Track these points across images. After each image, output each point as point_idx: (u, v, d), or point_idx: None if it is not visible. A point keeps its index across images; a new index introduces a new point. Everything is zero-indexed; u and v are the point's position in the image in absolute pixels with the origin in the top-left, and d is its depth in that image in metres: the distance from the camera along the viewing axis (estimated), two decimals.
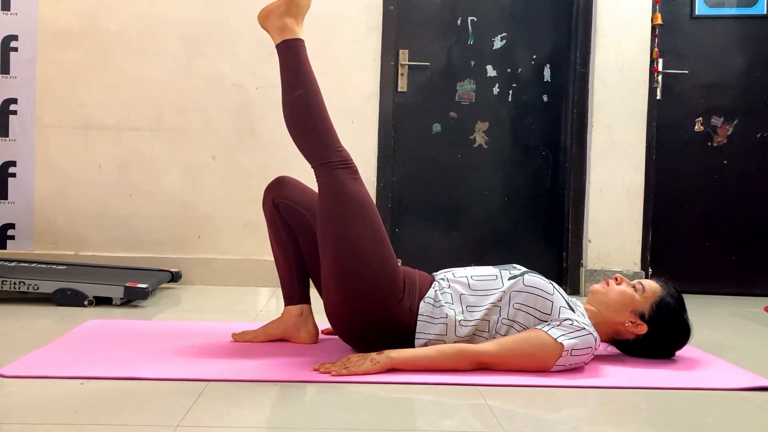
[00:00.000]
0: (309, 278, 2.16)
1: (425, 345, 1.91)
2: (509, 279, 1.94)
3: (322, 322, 2.28)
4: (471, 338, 1.92)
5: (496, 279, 1.96)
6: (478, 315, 1.91)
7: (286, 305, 2.16)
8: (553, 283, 1.96)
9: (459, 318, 1.91)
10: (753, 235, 3.68)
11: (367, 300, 1.89)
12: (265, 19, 2.01)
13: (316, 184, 1.98)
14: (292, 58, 1.98)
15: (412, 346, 1.92)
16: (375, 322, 1.91)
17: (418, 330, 1.91)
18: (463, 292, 1.95)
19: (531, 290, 1.91)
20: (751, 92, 3.66)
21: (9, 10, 3.42)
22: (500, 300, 1.91)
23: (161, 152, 3.48)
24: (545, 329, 1.85)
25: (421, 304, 1.93)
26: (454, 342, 1.90)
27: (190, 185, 3.49)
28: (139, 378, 1.72)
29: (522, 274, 1.95)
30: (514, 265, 2.04)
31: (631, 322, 1.99)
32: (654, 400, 1.73)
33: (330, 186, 1.94)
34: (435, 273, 2.06)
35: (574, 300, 1.97)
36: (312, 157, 1.97)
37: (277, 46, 2.00)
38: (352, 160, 1.98)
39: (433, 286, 1.98)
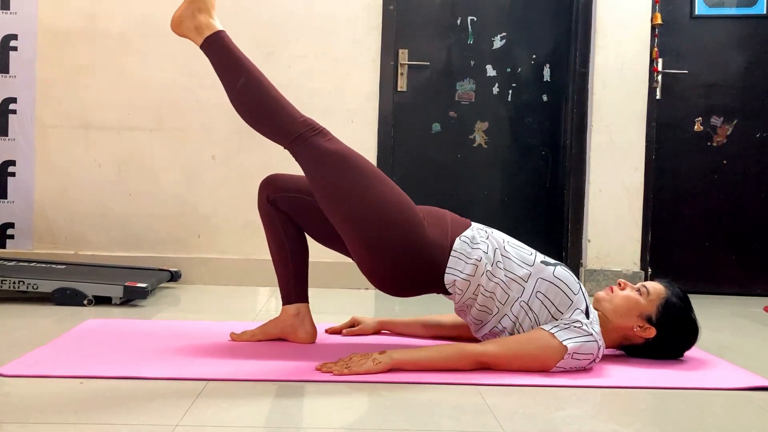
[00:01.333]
0: (307, 277, 2.16)
1: (453, 283, 1.91)
2: (542, 262, 1.94)
3: (322, 322, 2.28)
4: (487, 299, 1.91)
5: (530, 255, 1.96)
6: (502, 276, 1.90)
7: (283, 305, 2.15)
8: (581, 284, 1.95)
9: (488, 268, 1.90)
10: (753, 234, 3.68)
11: (390, 239, 1.87)
12: (178, 26, 1.99)
13: (297, 163, 1.96)
14: (221, 51, 1.96)
15: (443, 284, 1.91)
16: (406, 261, 1.89)
17: (449, 265, 1.90)
18: (497, 247, 1.95)
19: (558, 283, 1.90)
20: (751, 92, 3.66)
21: (8, 9, 3.42)
22: (526, 279, 1.90)
23: (161, 152, 3.47)
24: (552, 330, 1.84)
25: (457, 241, 1.93)
26: (478, 288, 1.90)
27: (189, 185, 3.48)
28: (138, 377, 1.72)
29: (555, 265, 1.94)
30: (548, 257, 2.03)
31: (639, 326, 1.98)
32: (655, 400, 1.73)
33: (309, 156, 1.94)
34: (472, 221, 2.04)
35: (593, 310, 1.95)
36: (281, 138, 1.96)
37: (201, 47, 1.98)
38: (318, 124, 1.97)
39: (470, 228, 1.98)
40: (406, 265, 1.91)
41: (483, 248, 1.93)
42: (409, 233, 1.89)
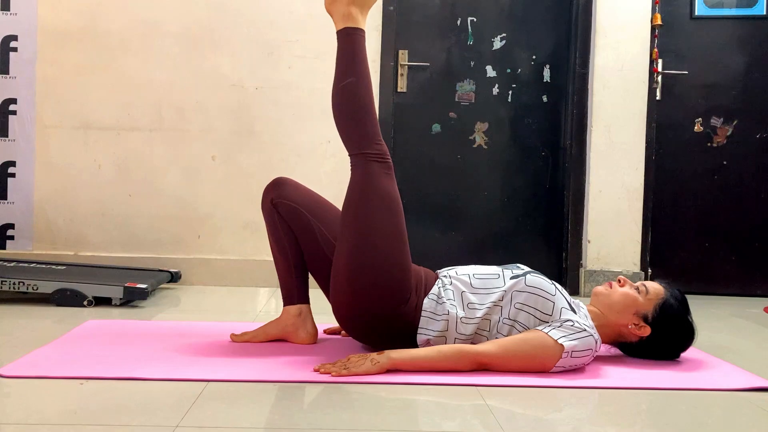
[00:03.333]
0: (308, 278, 2.16)
1: (427, 342, 1.92)
2: (511, 278, 1.94)
3: (322, 322, 2.28)
4: (473, 337, 1.92)
5: (498, 278, 1.96)
6: (479, 314, 1.91)
7: (285, 305, 2.16)
8: (556, 283, 1.96)
9: (461, 315, 1.91)
10: (753, 235, 3.68)
11: (377, 295, 1.89)
12: (331, 4, 2.02)
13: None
14: (350, 45, 1.98)
15: (415, 342, 1.93)
16: (382, 317, 1.91)
17: (420, 326, 1.92)
18: (464, 290, 1.95)
19: (533, 290, 1.91)
20: (751, 93, 3.67)
21: (9, 10, 3.42)
22: (501, 299, 1.91)
23: (161, 152, 3.48)
24: (546, 330, 1.85)
25: (425, 300, 1.94)
26: (456, 339, 1.91)
27: (189, 185, 3.49)
28: (138, 378, 1.72)
29: (524, 274, 1.95)
30: (518, 264, 2.04)
31: (635, 324, 1.99)
32: (654, 401, 1.73)
33: (362, 176, 1.95)
34: (438, 270, 2.06)
35: (576, 301, 1.96)
36: (351, 146, 1.98)
37: (338, 32, 2.01)
38: (389, 156, 1.99)
39: (436, 283, 1.98)
40: (380, 320, 1.91)
41: (449, 297, 1.93)
42: (393, 298, 1.90)
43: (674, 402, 1.71)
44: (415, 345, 1.94)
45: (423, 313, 1.92)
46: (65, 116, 3.45)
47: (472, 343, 1.93)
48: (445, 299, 1.93)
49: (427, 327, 1.92)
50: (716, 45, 3.65)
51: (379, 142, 1.97)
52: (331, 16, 2.03)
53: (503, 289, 1.92)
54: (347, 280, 1.91)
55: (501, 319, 1.91)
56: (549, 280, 1.96)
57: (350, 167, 2.00)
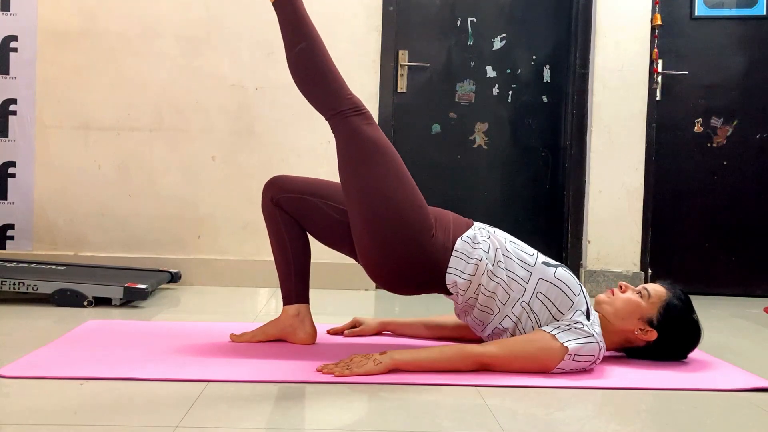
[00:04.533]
0: (308, 278, 2.16)
1: (454, 283, 1.92)
2: (543, 263, 1.94)
3: (322, 322, 2.28)
4: (488, 299, 1.92)
5: (531, 255, 1.97)
6: (503, 276, 1.91)
7: (284, 305, 2.15)
8: (582, 286, 1.95)
9: (489, 267, 1.91)
10: (753, 236, 3.68)
11: (400, 238, 1.89)
12: None
13: (333, 135, 1.98)
14: (290, 12, 1.97)
15: (445, 287, 1.93)
16: (410, 261, 1.91)
17: (450, 265, 1.92)
18: (498, 247, 1.95)
19: (559, 284, 1.90)
20: (751, 93, 3.67)
21: (9, 10, 3.42)
22: (527, 280, 1.91)
23: (161, 153, 3.47)
24: (553, 331, 1.84)
25: (458, 241, 1.94)
26: (479, 287, 1.91)
27: (189, 186, 3.48)
28: (138, 379, 1.72)
29: (557, 266, 1.95)
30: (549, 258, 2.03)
31: (640, 329, 1.98)
32: (655, 401, 1.73)
33: (346, 134, 1.95)
34: (474, 221, 2.05)
35: (594, 311, 1.95)
36: (324, 108, 1.98)
37: (273, 4, 1.99)
38: (363, 105, 1.99)
39: (472, 228, 1.99)
40: (410, 263, 1.92)
41: (484, 248, 1.94)
42: (417, 234, 1.90)
43: (675, 402, 1.71)
44: (444, 288, 1.95)
45: (454, 253, 1.92)
46: (65, 116, 3.45)
47: (487, 307, 1.93)
48: (481, 243, 1.93)
49: (456, 267, 1.92)
50: (716, 45, 3.65)
51: (350, 96, 1.97)
52: None
53: (533, 268, 1.92)
54: (369, 236, 1.91)
55: (520, 300, 1.90)
56: (577, 281, 1.95)
57: (331, 131, 1.98)
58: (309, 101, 2.01)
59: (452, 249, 1.93)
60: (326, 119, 1.99)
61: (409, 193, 1.93)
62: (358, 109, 1.96)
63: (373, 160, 1.93)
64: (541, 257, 1.97)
